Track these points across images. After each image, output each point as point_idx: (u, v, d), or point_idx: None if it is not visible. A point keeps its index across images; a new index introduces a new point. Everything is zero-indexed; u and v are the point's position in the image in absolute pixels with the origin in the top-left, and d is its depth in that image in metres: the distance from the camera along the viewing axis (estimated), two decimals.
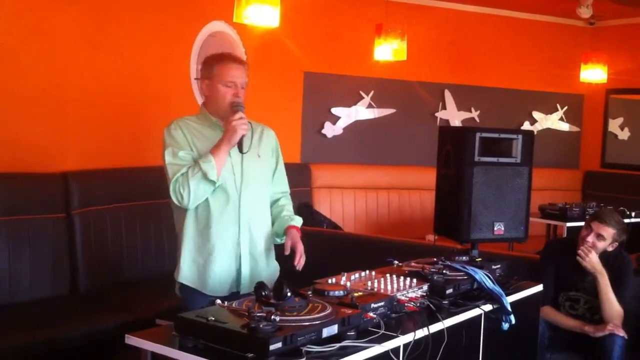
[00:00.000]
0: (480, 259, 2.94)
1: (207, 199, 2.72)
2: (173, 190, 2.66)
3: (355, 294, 2.22)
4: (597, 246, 3.51)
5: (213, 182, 2.66)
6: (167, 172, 2.71)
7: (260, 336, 1.79)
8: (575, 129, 7.69)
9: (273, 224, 2.96)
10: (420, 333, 2.18)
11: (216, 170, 2.65)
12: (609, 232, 3.51)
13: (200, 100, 5.25)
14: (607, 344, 3.37)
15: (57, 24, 4.26)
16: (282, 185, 3.04)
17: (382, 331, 2.09)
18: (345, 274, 2.53)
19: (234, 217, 2.76)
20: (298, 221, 2.97)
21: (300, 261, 2.78)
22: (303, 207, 5.92)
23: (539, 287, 3.02)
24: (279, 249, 2.93)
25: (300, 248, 2.81)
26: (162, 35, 4.91)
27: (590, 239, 3.51)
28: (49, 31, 4.22)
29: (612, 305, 3.45)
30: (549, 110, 7.55)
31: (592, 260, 3.45)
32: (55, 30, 4.25)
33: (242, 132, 2.70)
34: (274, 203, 3.01)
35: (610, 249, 3.56)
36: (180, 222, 2.80)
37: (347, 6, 6.38)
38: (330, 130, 6.48)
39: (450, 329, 2.32)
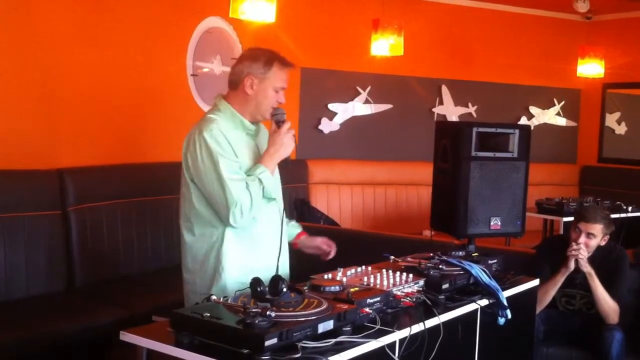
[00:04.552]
0: (476, 254, 2.94)
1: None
2: (233, 214, 2.43)
3: (351, 290, 2.21)
4: (590, 245, 3.51)
5: (272, 199, 2.55)
6: (227, 189, 2.43)
7: (255, 332, 1.78)
8: (572, 123, 7.69)
9: None
10: (417, 328, 2.17)
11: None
12: (597, 228, 3.52)
13: (197, 97, 5.27)
14: (606, 338, 3.38)
15: (51, 21, 4.24)
16: None
17: (378, 326, 2.08)
18: (342, 269, 2.52)
19: (277, 232, 2.64)
20: (298, 226, 2.94)
21: (333, 249, 2.74)
22: (300, 203, 5.91)
23: (536, 282, 3.02)
24: None
25: (325, 240, 2.77)
26: (158, 32, 4.90)
27: (582, 239, 3.51)
28: (44, 27, 4.20)
29: (606, 302, 3.47)
30: (546, 105, 7.55)
31: (580, 260, 3.47)
32: (50, 26, 4.23)
33: (293, 145, 2.58)
34: None
35: (602, 243, 3.57)
36: (212, 243, 2.57)
37: (343, 1, 6.37)
38: (327, 126, 6.48)
39: (447, 323, 2.32)
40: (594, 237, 3.52)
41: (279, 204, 2.68)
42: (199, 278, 2.62)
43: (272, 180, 2.53)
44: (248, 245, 2.60)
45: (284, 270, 2.75)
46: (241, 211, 2.45)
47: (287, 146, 2.56)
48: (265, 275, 2.54)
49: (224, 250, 2.56)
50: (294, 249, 2.88)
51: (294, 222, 2.95)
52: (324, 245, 2.75)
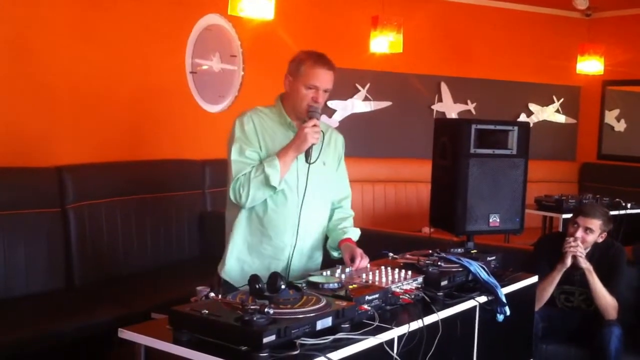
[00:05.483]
0: (475, 251, 2.94)
1: (266, 201, 2.66)
2: (233, 189, 2.62)
3: (350, 287, 2.22)
4: (587, 240, 3.52)
5: (273, 188, 2.59)
6: (231, 169, 2.64)
7: (253, 329, 1.78)
8: (571, 120, 7.69)
9: (328, 234, 2.90)
10: (415, 325, 2.18)
11: (279, 175, 2.58)
12: (595, 224, 3.53)
13: (196, 94, 5.27)
14: (605, 334, 3.38)
15: (50, 18, 4.23)
16: (341, 190, 2.95)
17: (377, 323, 2.08)
18: (340, 266, 2.53)
19: (293, 222, 2.69)
20: (353, 233, 2.85)
21: (361, 263, 2.59)
22: None
23: (535, 279, 3.02)
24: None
25: (357, 252, 2.64)
26: (157, 29, 4.89)
27: (579, 234, 3.52)
28: (43, 24, 4.19)
29: (605, 298, 3.47)
30: (545, 102, 7.55)
31: (579, 257, 3.47)
32: (49, 23, 4.23)
33: (313, 141, 2.60)
34: (332, 212, 2.92)
35: (600, 240, 3.57)
36: (232, 218, 2.76)
37: None
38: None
39: (445, 320, 2.32)
40: (591, 232, 3.53)
41: (299, 197, 2.69)
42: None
43: (276, 171, 2.56)
44: (256, 228, 2.73)
45: (300, 264, 2.76)
46: (239, 191, 2.62)
47: (303, 140, 2.60)
48: (273, 264, 2.68)
49: (235, 227, 2.74)
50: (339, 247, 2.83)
51: (348, 229, 2.86)
52: (359, 257, 2.68)
